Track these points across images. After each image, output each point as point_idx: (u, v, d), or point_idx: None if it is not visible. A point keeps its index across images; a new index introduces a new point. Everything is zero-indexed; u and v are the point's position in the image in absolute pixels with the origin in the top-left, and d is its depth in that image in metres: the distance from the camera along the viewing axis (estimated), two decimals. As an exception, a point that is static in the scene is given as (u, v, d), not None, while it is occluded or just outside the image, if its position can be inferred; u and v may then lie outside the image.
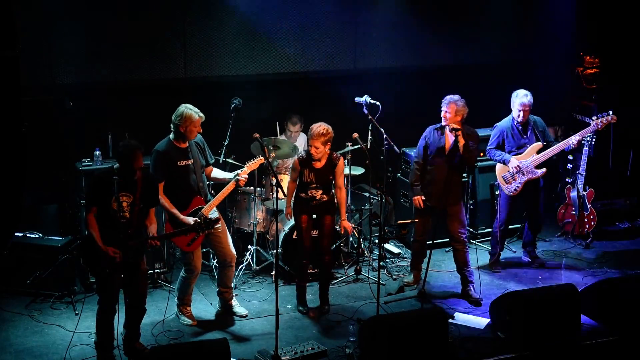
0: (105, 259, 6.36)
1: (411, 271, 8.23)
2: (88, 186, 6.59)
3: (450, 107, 7.58)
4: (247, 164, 7.40)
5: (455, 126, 7.53)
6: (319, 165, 7.38)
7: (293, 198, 7.55)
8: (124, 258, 6.40)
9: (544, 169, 8.32)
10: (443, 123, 7.68)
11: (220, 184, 7.45)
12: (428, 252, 7.49)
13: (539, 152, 8.29)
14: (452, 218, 7.79)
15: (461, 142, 7.50)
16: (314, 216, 7.53)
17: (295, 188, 7.53)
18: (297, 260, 7.72)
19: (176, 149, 7.07)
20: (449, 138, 7.66)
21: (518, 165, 8.23)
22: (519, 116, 8.23)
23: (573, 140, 8.30)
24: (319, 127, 7.24)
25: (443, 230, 8.06)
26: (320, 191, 7.41)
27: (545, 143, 8.34)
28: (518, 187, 8.33)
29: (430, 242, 7.75)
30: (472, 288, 7.92)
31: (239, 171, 7.32)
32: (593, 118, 8.40)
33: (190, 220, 6.99)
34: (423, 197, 7.79)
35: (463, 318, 7.50)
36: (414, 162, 7.95)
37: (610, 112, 8.33)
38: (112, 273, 6.43)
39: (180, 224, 6.99)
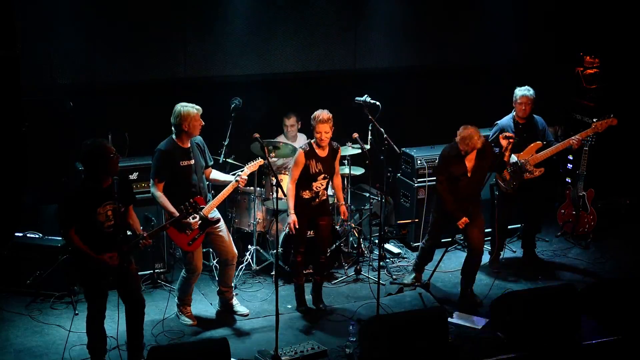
0: (103, 267, 6.23)
1: (413, 271, 8.23)
2: (63, 206, 6.35)
3: (471, 145, 7.42)
4: (247, 166, 7.40)
5: (508, 134, 7.65)
6: (323, 153, 7.39)
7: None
8: (120, 263, 6.26)
9: (542, 169, 8.33)
10: (462, 153, 7.53)
11: (220, 185, 7.44)
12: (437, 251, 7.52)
13: (538, 151, 8.30)
14: (475, 227, 7.73)
15: (508, 153, 7.65)
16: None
17: (295, 188, 7.50)
18: (290, 258, 7.70)
19: (179, 149, 7.06)
20: (468, 161, 7.56)
21: (516, 162, 8.25)
22: (520, 110, 8.25)
23: (574, 141, 8.32)
24: (323, 112, 7.30)
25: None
26: (326, 181, 7.41)
27: (545, 142, 8.36)
28: (515, 184, 8.34)
29: (450, 239, 7.85)
30: (472, 292, 7.92)
31: (239, 172, 7.32)
32: (594, 120, 8.41)
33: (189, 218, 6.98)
34: (467, 220, 7.62)
35: (462, 318, 7.50)
36: (440, 190, 7.71)
37: (612, 115, 8.34)
38: (101, 281, 6.32)
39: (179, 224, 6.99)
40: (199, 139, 7.22)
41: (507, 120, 8.40)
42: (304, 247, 7.58)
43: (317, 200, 7.43)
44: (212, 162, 7.44)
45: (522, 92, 8.27)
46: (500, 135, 7.82)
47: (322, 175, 7.39)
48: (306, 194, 7.42)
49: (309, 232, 7.60)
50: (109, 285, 6.44)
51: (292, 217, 7.37)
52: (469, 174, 7.60)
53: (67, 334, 6.82)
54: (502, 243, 8.73)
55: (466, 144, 7.44)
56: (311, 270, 7.94)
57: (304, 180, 7.40)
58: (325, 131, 7.27)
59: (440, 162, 7.82)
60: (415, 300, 7.88)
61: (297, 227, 7.35)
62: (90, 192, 6.23)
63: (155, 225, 7.87)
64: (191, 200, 6.77)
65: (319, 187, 7.40)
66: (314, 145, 7.38)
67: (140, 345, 6.65)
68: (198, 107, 7.05)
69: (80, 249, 6.22)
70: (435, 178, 7.98)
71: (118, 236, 6.29)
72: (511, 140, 7.65)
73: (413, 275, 8.21)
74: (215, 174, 7.43)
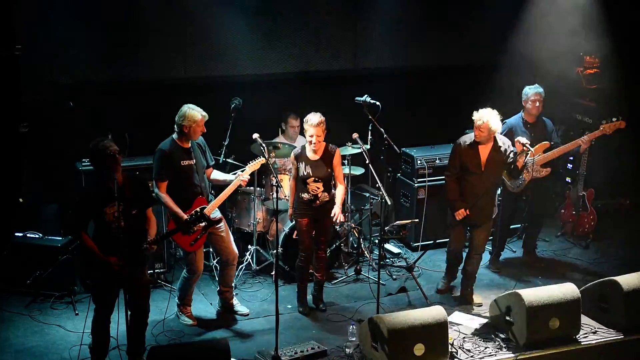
0: (105, 269, 6.19)
1: (445, 278, 8.16)
2: (75, 203, 6.38)
3: (484, 127, 7.37)
4: (248, 165, 7.40)
5: (525, 141, 7.63)
6: (314, 157, 7.38)
7: (295, 200, 7.53)
8: (126, 268, 6.19)
9: (549, 168, 8.33)
10: (476, 140, 7.48)
11: (221, 186, 7.44)
12: (424, 252, 7.52)
13: (545, 151, 8.29)
14: (481, 230, 7.71)
15: (522, 159, 7.62)
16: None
17: (296, 189, 7.51)
18: (296, 262, 7.72)
19: (180, 149, 7.07)
20: (483, 153, 7.51)
21: (524, 162, 8.24)
22: (534, 108, 8.23)
23: (583, 141, 8.32)
24: (316, 115, 7.29)
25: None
26: (321, 184, 7.37)
27: (552, 143, 8.35)
28: (521, 184, 8.34)
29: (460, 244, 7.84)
30: (472, 292, 7.91)
31: (239, 171, 7.32)
32: (602, 122, 8.40)
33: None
34: (468, 212, 7.55)
35: (462, 317, 7.50)
36: (447, 179, 7.70)
37: (620, 117, 8.34)
38: (109, 283, 6.29)
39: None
40: (200, 139, 7.23)
41: (515, 119, 8.38)
42: (310, 253, 7.56)
43: (318, 202, 7.43)
44: (214, 162, 7.45)
45: (534, 89, 8.27)
46: (516, 139, 7.77)
47: (312, 179, 7.37)
48: (305, 196, 7.43)
49: (313, 232, 7.59)
50: (118, 287, 6.38)
51: (290, 211, 7.59)
52: (482, 168, 7.54)
53: (82, 336, 6.79)
54: (503, 242, 8.73)
55: (482, 120, 7.30)
56: (312, 270, 7.94)
57: (300, 182, 7.44)
58: (317, 134, 7.26)
59: (453, 152, 7.67)
60: (417, 301, 7.89)
61: (303, 228, 7.41)
62: (98, 191, 6.23)
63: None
64: (199, 210, 6.75)
65: (316, 190, 7.40)
66: (307, 148, 7.40)
67: (141, 351, 6.64)
68: (204, 113, 7.05)
69: (89, 248, 6.22)
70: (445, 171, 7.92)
71: (127, 237, 6.16)
72: (525, 148, 7.58)
73: (444, 281, 8.13)
74: (216, 174, 7.44)
